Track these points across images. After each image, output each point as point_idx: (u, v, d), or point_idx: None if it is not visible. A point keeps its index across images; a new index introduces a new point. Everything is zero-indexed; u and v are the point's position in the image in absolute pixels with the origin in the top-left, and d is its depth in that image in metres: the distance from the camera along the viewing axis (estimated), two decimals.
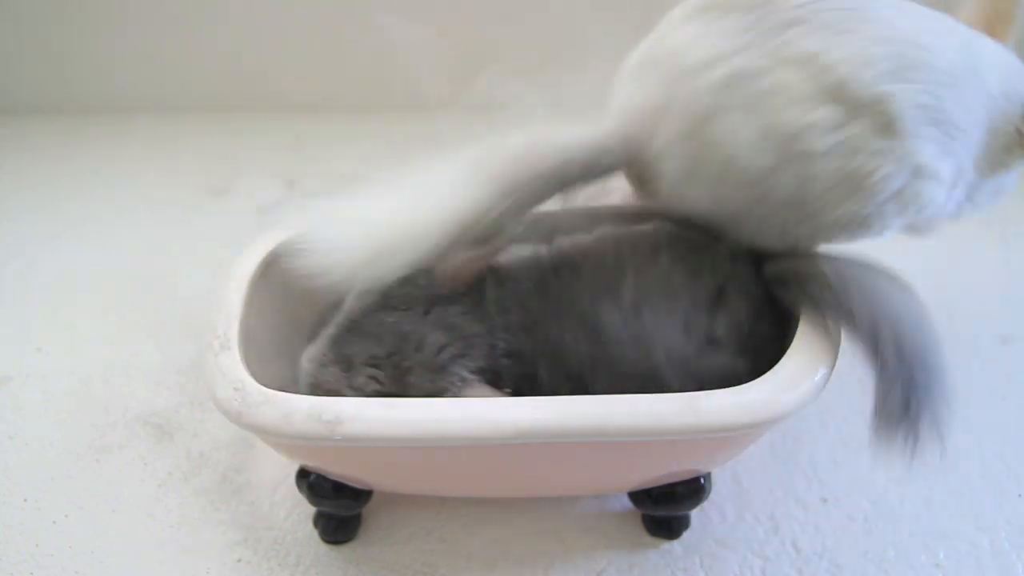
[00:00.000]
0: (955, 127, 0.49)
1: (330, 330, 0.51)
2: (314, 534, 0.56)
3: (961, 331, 0.68)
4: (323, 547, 0.56)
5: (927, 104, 0.48)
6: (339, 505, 0.54)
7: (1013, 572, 0.53)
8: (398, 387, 0.49)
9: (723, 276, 0.50)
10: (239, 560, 0.55)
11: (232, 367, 0.49)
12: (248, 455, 0.62)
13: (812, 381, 0.46)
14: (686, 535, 0.55)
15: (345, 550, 0.56)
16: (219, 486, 0.60)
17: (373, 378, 0.49)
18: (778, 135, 0.48)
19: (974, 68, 0.50)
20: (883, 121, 0.47)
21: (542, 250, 0.53)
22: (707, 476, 0.53)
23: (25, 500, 0.59)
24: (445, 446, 0.47)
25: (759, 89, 0.48)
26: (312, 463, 0.52)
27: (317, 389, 0.50)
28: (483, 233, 0.48)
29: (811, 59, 0.47)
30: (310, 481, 0.53)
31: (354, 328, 0.50)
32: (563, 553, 0.55)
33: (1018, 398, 0.63)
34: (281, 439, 0.47)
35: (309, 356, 0.51)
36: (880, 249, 0.76)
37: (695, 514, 0.56)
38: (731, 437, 0.47)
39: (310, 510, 0.57)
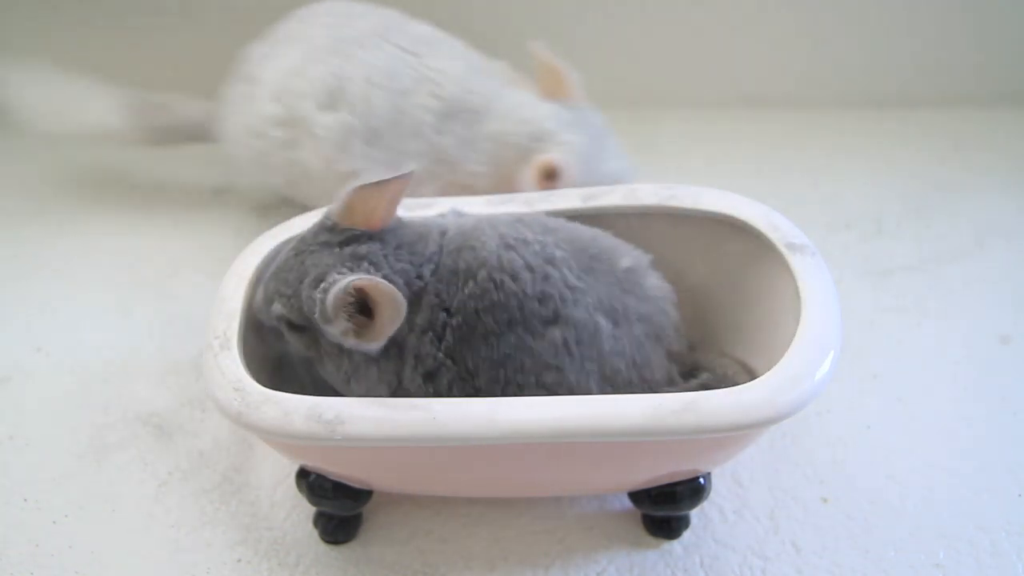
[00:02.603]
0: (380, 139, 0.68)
1: (264, 276, 0.54)
2: (314, 534, 0.56)
3: (961, 331, 0.68)
4: (323, 547, 0.56)
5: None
6: (339, 505, 0.54)
7: (1013, 572, 0.53)
8: (301, 317, 0.51)
9: None
10: (239, 560, 0.55)
11: (232, 367, 0.49)
12: (248, 455, 0.62)
13: (812, 381, 0.46)
14: (686, 535, 0.55)
15: (345, 550, 0.56)
16: (219, 486, 0.60)
17: (284, 307, 0.51)
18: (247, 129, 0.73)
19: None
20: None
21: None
22: (707, 476, 0.53)
23: (25, 500, 0.59)
24: (445, 446, 0.47)
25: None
26: (312, 463, 0.52)
27: (263, 328, 0.54)
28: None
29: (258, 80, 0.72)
30: (310, 481, 0.53)
31: (275, 272, 0.52)
32: (563, 553, 0.55)
33: (1018, 398, 0.63)
34: (281, 439, 0.47)
35: (254, 301, 0.54)
36: (881, 248, 0.76)
37: (695, 514, 0.56)
38: (731, 437, 0.47)
39: (310, 510, 0.57)
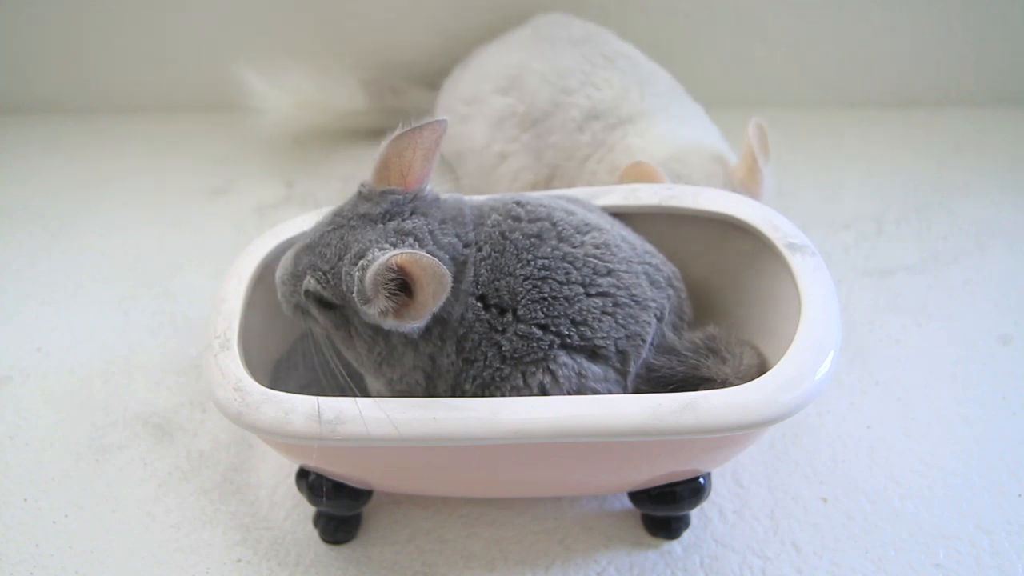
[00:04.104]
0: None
1: (292, 249, 0.51)
2: (314, 534, 0.56)
3: (961, 331, 0.68)
4: (323, 547, 0.56)
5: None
6: (339, 505, 0.54)
7: (1013, 572, 0.53)
8: (336, 295, 0.48)
9: None
10: (239, 560, 0.55)
11: (232, 367, 0.49)
12: (248, 455, 0.62)
13: (812, 381, 0.46)
14: (686, 535, 0.55)
15: (345, 550, 0.56)
16: (219, 486, 0.60)
17: (319, 282, 0.48)
18: None
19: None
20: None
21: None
22: (707, 476, 0.53)
23: (25, 500, 0.59)
24: (445, 446, 0.47)
25: None
26: (312, 463, 0.52)
27: (284, 303, 0.51)
28: None
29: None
30: (310, 481, 0.53)
31: (310, 246, 0.50)
32: (563, 553, 0.55)
33: (1018, 398, 0.63)
34: (281, 439, 0.47)
35: (277, 273, 0.51)
36: (881, 248, 0.76)
37: (695, 514, 0.56)
38: (731, 437, 0.47)
39: (310, 510, 0.57)
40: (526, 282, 0.49)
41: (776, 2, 0.90)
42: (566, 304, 0.49)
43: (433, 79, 0.87)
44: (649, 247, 0.55)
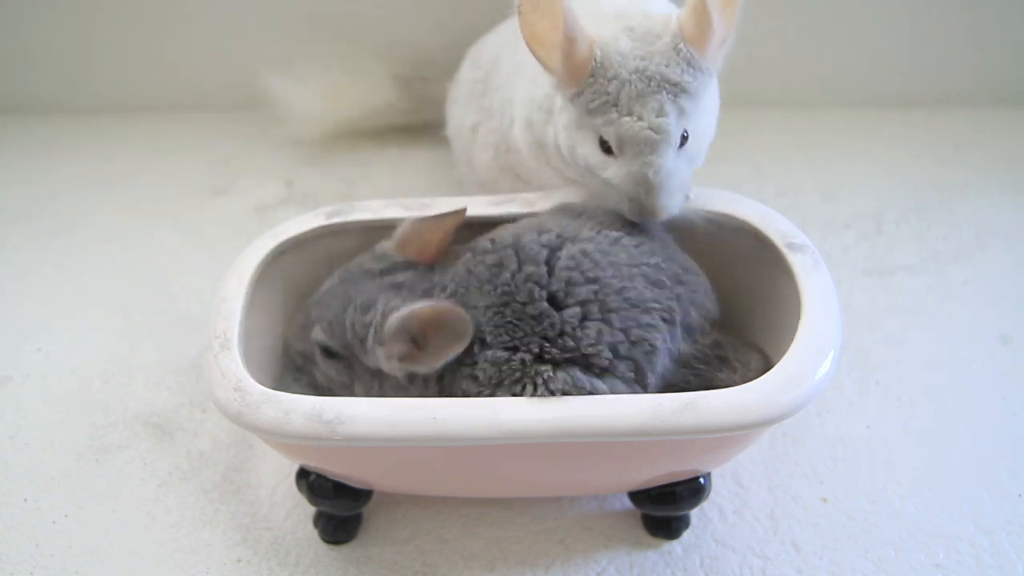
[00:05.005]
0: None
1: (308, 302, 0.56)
2: (314, 534, 0.56)
3: (961, 331, 0.68)
4: (323, 547, 0.56)
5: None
6: (339, 505, 0.54)
7: (1013, 572, 0.53)
8: (340, 344, 0.52)
9: None
10: (239, 560, 0.55)
11: (232, 367, 0.49)
12: (248, 455, 0.62)
13: (812, 381, 0.46)
14: (686, 535, 0.55)
15: (345, 550, 0.56)
16: (219, 486, 0.60)
17: (324, 332, 0.53)
18: None
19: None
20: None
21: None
22: (707, 476, 0.53)
23: (25, 500, 0.59)
24: (445, 446, 0.47)
25: None
26: (312, 463, 0.52)
27: (288, 348, 0.55)
28: None
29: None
30: (310, 481, 0.53)
31: (319, 299, 0.54)
32: (563, 553, 0.55)
33: (1018, 398, 0.63)
34: (281, 439, 0.47)
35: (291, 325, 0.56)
36: (881, 248, 0.76)
37: (695, 514, 0.56)
38: (731, 437, 0.47)
39: (310, 510, 0.57)
40: (488, 310, 0.50)
41: (776, 2, 0.90)
42: (532, 323, 0.50)
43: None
44: (649, 247, 0.54)
